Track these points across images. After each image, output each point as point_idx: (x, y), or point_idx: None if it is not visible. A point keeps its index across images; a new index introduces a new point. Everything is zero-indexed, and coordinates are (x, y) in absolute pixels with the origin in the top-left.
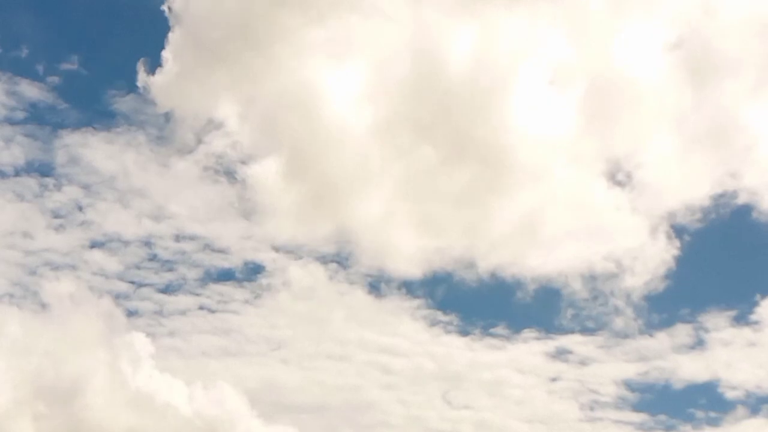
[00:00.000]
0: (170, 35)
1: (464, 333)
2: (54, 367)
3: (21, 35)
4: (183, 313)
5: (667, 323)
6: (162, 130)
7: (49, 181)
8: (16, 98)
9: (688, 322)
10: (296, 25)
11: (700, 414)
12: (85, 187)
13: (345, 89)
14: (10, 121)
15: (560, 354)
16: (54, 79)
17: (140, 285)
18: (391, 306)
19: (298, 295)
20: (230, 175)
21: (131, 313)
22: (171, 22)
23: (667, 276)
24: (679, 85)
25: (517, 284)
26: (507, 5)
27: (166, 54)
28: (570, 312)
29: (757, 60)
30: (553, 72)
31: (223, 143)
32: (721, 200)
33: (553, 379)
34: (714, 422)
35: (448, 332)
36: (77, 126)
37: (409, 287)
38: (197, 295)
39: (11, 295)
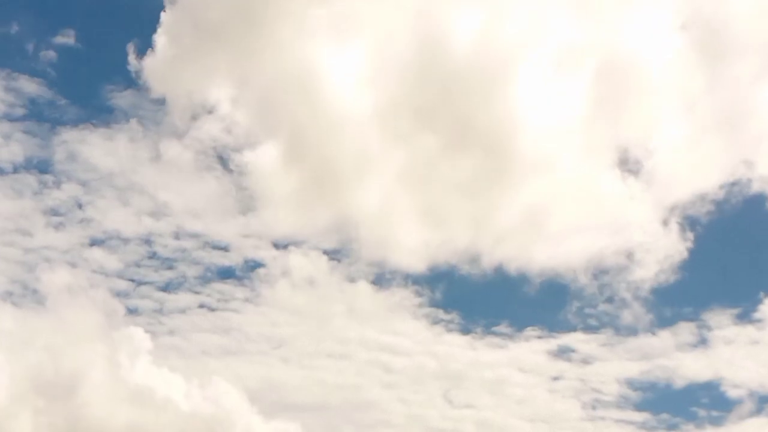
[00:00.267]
0: (163, 15)
1: (466, 331)
2: (53, 364)
3: (10, 13)
4: (183, 311)
5: (670, 321)
6: (155, 117)
7: (48, 178)
8: (15, 94)
9: (691, 320)
10: (296, 5)
11: (702, 413)
12: (84, 184)
13: (346, 72)
14: (9, 118)
15: (562, 352)
16: (48, 55)
17: (140, 283)
18: (393, 302)
19: (298, 292)
20: (226, 163)
21: (131, 312)
22: (164, 2)
23: (674, 271)
24: (690, 69)
25: (522, 279)
26: None
27: (159, 36)
28: (575, 307)
29: None
30: (561, 55)
31: (218, 129)
32: (733, 189)
33: (555, 378)
34: (717, 421)
35: (450, 331)
36: (76, 122)
37: (411, 283)
38: (197, 293)
39: (10, 293)
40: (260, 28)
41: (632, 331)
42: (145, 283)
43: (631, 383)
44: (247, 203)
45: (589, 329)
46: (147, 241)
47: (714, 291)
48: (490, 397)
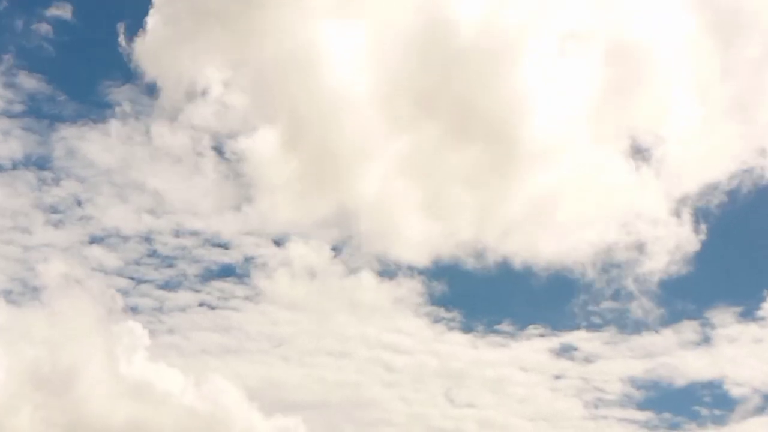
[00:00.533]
0: None
1: (467, 330)
2: (52, 361)
3: None
4: (183, 309)
5: (673, 319)
6: (148, 102)
7: (47, 174)
8: (13, 90)
9: (695, 318)
10: None
11: (705, 412)
12: (83, 181)
13: (346, 55)
14: (8, 114)
15: (565, 351)
16: (41, 29)
17: (140, 281)
18: (394, 296)
19: (298, 286)
20: (222, 151)
21: (131, 310)
22: None
23: (681, 266)
24: (702, 53)
25: (527, 274)
26: None
27: (151, 16)
28: (579, 303)
29: None
30: (569, 39)
31: (213, 115)
32: (745, 178)
33: (558, 377)
34: (720, 420)
35: (451, 329)
36: (74, 119)
37: (413, 277)
38: (197, 291)
39: (10, 291)
40: (257, 8)
41: (635, 330)
42: (145, 282)
43: (633, 382)
44: (244, 193)
45: (592, 327)
46: (147, 239)
47: (718, 289)
48: (491, 396)
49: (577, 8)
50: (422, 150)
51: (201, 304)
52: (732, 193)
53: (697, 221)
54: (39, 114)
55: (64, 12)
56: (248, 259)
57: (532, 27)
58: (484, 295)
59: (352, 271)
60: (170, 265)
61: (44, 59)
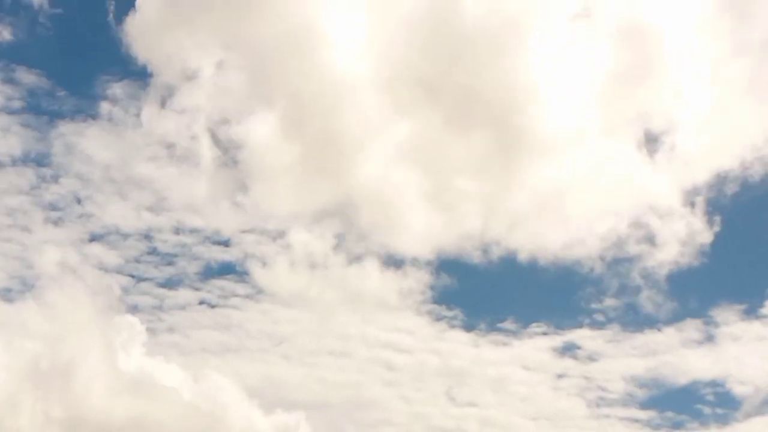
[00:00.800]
0: None
1: (469, 328)
2: (51, 359)
3: None
4: (183, 308)
5: (676, 318)
6: (139, 86)
7: (46, 171)
8: (12, 86)
9: (698, 316)
10: None
11: (708, 410)
12: (83, 178)
13: (347, 36)
14: (7, 111)
15: (568, 349)
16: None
17: (140, 279)
18: (395, 289)
19: (298, 279)
20: (217, 138)
21: (131, 308)
22: None
23: (688, 263)
24: (714, 34)
25: (533, 268)
26: None
27: None
28: (583, 300)
29: None
30: (577, 20)
31: (207, 99)
32: (756, 166)
33: (560, 376)
34: (723, 419)
35: (453, 327)
36: (73, 115)
37: (415, 270)
38: (197, 289)
39: (9, 289)
40: None
41: (638, 328)
42: (145, 280)
43: (636, 380)
44: (241, 183)
45: (595, 325)
46: (147, 237)
47: (722, 286)
48: (493, 395)
49: None
50: (426, 137)
51: (201, 303)
52: (744, 183)
53: (707, 213)
54: (37, 110)
55: None
56: (248, 254)
57: (539, 8)
58: (488, 291)
59: (354, 263)
60: (170, 263)
61: (33, 45)
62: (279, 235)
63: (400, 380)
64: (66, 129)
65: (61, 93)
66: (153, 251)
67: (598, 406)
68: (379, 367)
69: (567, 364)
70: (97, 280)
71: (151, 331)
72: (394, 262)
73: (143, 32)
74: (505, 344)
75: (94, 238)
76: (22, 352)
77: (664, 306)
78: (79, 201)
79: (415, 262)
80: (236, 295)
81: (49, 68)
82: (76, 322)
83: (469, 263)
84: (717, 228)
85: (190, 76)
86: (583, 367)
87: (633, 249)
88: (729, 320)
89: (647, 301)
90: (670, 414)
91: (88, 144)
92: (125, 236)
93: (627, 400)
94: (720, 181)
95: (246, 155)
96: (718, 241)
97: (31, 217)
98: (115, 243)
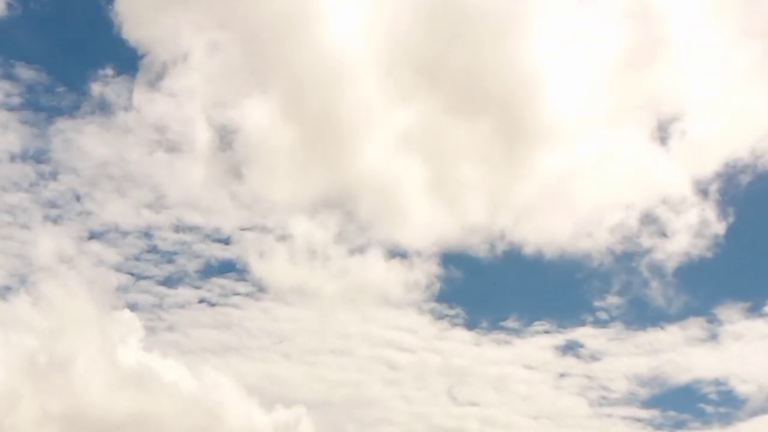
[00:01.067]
0: None
1: (471, 326)
2: (51, 357)
3: None
4: (183, 306)
5: (680, 316)
6: (130, 68)
7: (45, 168)
8: (11, 83)
9: (701, 314)
10: None
11: (711, 409)
12: (82, 176)
13: (346, 16)
14: (6, 107)
15: (570, 348)
16: None
17: (140, 277)
18: (397, 284)
19: (298, 273)
20: (211, 123)
21: (131, 306)
22: None
23: (692, 259)
24: (725, 11)
25: (538, 262)
26: None
27: None
28: (589, 293)
29: None
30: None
31: (200, 82)
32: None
33: (562, 375)
34: (726, 418)
35: (455, 325)
36: (71, 112)
37: (417, 266)
38: (197, 288)
39: (8, 287)
40: None
41: (641, 326)
42: (145, 278)
43: (639, 379)
44: (236, 171)
45: (598, 323)
46: (146, 234)
47: (726, 284)
48: (495, 394)
49: None
50: (427, 124)
51: (201, 301)
52: (755, 172)
53: (718, 203)
54: (36, 107)
55: None
56: (247, 248)
57: None
58: (491, 287)
59: (355, 255)
60: (170, 261)
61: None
62: (277, 226)
63: (401, 379)
64: (63, 124)
65: (51, 80)
66: (153, 249)
67: (600, 405)
68: (379, 366)
69: (569, 362)
70: (97, 277)
71: (151, 329)
72: (395, 255)
73: (134, 12)
74: (507, 343)
75: (93, 236)
76: (21, 349)
77: (669, 303)
78: (78, 198)
79: (417, 255)
80: (236, 294)
81: (38, 50)
82: (75, 319)
83: (473, 257)
84: (729, 219)
85: (183, 58)
86: (585, 366)
87: (641, 241)
88: (733, 318)
89: (653, 296)
90: (672, 413)
91: (86, 140)
92: (124, 234)
93: (629, 399)
94: (731, 169)
95: (242, 141)
96: (729, 233)
97: (31, 214)
98: (114, 241)
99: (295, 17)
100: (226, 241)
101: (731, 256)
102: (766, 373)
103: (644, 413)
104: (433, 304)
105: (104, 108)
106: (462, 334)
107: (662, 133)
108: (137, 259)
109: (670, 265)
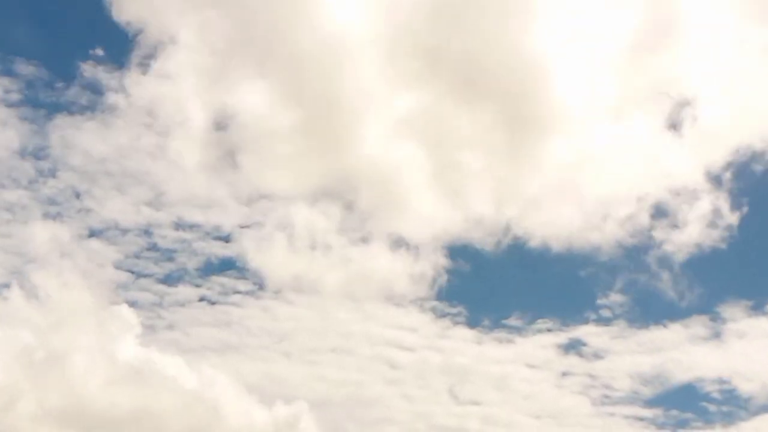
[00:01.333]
0: None
1: (473, 325)
2: (50, 354)
3: None
4: (183, 304)
5: (683, 314)
6: (120, 49)
7: (44, 165)
8: (10, 79)
9: (705, 312)
10: None
11: (714, 408)
12: (81, 173)
13: None
14: (5, 103)
15: (573, 347)
16: None
17: (140, 275)
18: (399, 279)
19: (296, 272)
20: (205, 108)
21: (131, 304)
22: None
23: (701, 253)
24: None
25: (543, 255)
26: None
27: None
28: (594, 288)
29: None
30: None
31: (193, 65)
32: None
33: (564, 374)
34: (729, 417)
35: (457, 324)
36: (70, 109)
37: (419, 258)
38: (197, 286)
39: (8, 285)
40: None
41: (644, 324)
42: (145, 276)
43: (642, 378)
44: (231, 158)
45: (601, 321)
46: (146, 232)
47: (730, 282)
48: (496, 393)
49: None
50: (429, 110)
51: (201, 299)
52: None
53: (728, 195)
54: (35, 103)
55: None
56: (246, 244)
57: None
58: (494, 283)
59: (354, 247)
60: (170, 259)
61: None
62: (276, 218)
63: (402, 378)
64: (62, 120)
65: (49, 75)
66: (153, 247)
67: (602, 404)
68: (380, 365)
69: (572, 361)
70: (96, 274)
71: (151, 327)
72: (397, 247)
73: None
74: (509, 341)
75: (93, 234)
76: (20, 346)
77: (672, 301)
78: (77, 195)
79: (419, 247)
80: (237, 292)
81: (31, 39)
82: (75, 317)
83: (477, 250)
84: (743, 209)
85: (174, 40)
86: (587, 365)
87: (650, 234)
88: (736, 316)
89: (657, 293)
90: (675, 412)
91: (85, 137)
92: (124, 231)
93: (632, 398)
94: (742, 157)
95: (238, 127)
96: (743, 224)
97: (30, 211)
98: (114, 238)
99: None
100: (226, 239)
101: (744, 248)
102: None
103: (647, 412)
104: (435, 303)
105: (96, 91)
106: (464, 333)
107: (673, 121)
108: (137, 256)
109: (678, 259)
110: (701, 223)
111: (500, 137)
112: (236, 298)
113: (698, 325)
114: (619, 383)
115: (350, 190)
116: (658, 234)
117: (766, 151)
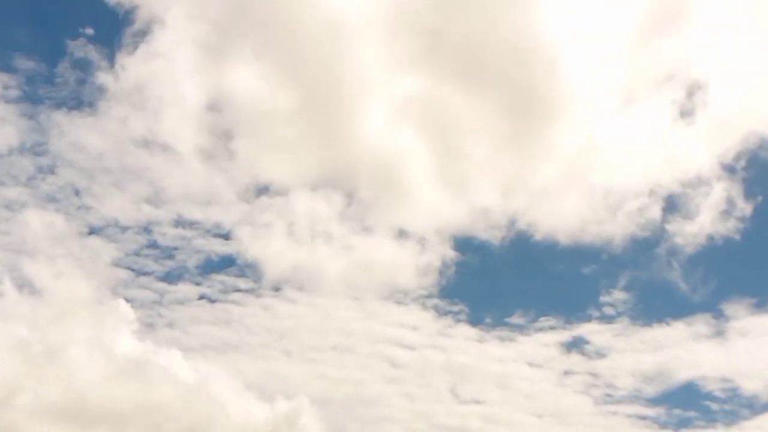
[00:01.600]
0: None
1: (475, 322)
2: (49, 353)
3: None
4: (182, 302)
5: (686, 312)
6: (110, 29)
7: (43, 161)
8: (8, 76)
9: (708, 310)
10: None
11: (716, 407)
12: (80, 170)
13: None
14: (5, 100)
15: (575, 345)
16: None
17: (140, 273)
18: (400, 274)
19: (296, 267)
20: (198, 90)
21: (131, 302)
22: None
23: (711, 249)
24: None
25: (548, 248)
26: None
27: None
28: (603, 276)
29: None
30: None
31: (183, 45)
32: None
33: (567, 372)
34: (732, 416)
35: (459, 322)
36: (69, 106)
37: (422, 255)
38: (198, 284)
39: (8, 282)
40: None
41: (647, 322)
42: (145, 273)
43: (644, 376)
44: (226, 144)
45: (604, 319)
46: (146, 229)
47: (734, 279)
48: (498, 391)
49: None
50: (431, 95)
51: (201, 297)
52: None
53: (740, 183)
54: (35, 100)
55: None
56: (245, 239)
57: None
58: (498, 280)
59: (355, 239)
60: (170, 257)
61: None
62: (274, 210)
63: (403, 377)
64: (61, 117)
65: (49, 71)
66: (152, 244)
67: (604, 403)
68: (381, 363)
69: (574, 360)
70: (97, 272)
71: (151, 326)
72: (399, 239)
73: None
74: (510, 340)
75: (93, 231)
76: (18, 342)
77: (676, 297)
78: (77, 192)
79: (422, 239)
80: (237, 290)
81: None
82: (75, 314)
83: (481, 243)
84: (757, 198)
85: (165, 18)
86: (590, 363)
87: (659, 225)
88: (739, 314)
89: (663, 288)
90: (678, 411)
91: (83, 133)
92: (124, 229)
93: (634, 397)
94: (753, 145)
95: (232, 110)
96: (756, 214)
97: (29, 208)
98: (113, 236)
99: None
100: (226, 236)
101: (757, 238)
102: None
103: (649, 411)
104: (437, 300)
105: (85, 70)
106: (465, 331)
107: (684, 107)
108: (137, 254)
109: (687, 252)
110: (713, 213)
111: (505, 124)
112: (236, 296)
113: (701, 323)
114: (621, 382)
115: (351, 179)
116: (669, 226)
117: None
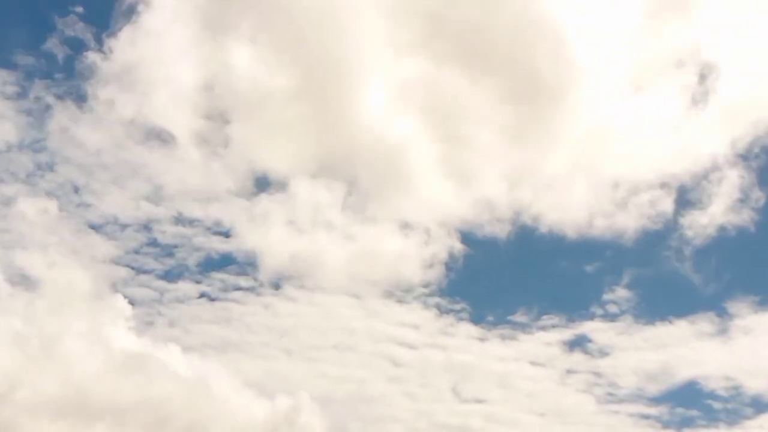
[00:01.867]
0: None
1: (477, 321)
2: (48, 352)
3: None
4: (183, 301)
5: (689, 310)
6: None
7: (42, 158)
8: (7, 73)
9: (711, 309)
10: None
11: (719, 405)
12: (79, 167)
13: None
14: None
15: (578, 343)
16: None
17: (140, 271)
18: (399, 257)
19: (296, 262)
20: (197, 71)
21: (131, 301)
22: None
23: (713, 243)
24: None
25: (554, 241)
26: None
27: None
28: (607, 271)
29: None
30: None
31: (175, 23)
32: None
33: (569, 371)
34: (735, 414)
35: (460, 320)
36: (68, 103)
37: (425, 245)
38: (198, 282)
39: (7, 281)
40: None
41: (650, 320)
42: (145, 272)
43: (647, 375)
44: (223, 128)
45: (607, 317)
46: (146, 227)
47: (737, 278)
48: (500, 390)
49: None
50: (434, 83)
51: (201, 296)
52: None
53: (751, 175)
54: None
55: None
56: (245, 235)
57: None
58: (501, 276)
59: (355, 230)
60: (170, 255)
61: None
62: (273, 202)
63: (404, 376)
64: (59, 113)
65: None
66: (152, 242)
67: (607, 402)
68: (383, 362)
69: (576, 358)
70: (95, 269)
71: (151, 324)
72: (400, 231)
73: None
74: (513, 338)
75: (92, 228)
76: (18, 340)
77: (679, 295)
78: (76, 190)
79: (424, 231)
80: (237, 288)
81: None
82: (75, 311)
83: (485, 236)
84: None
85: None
86: (592, 362)
87: (670, 217)
88: (742, 312)
89: (667, 286)
90: (680, 410)
91: (82, 129)
92: (123, 226)
93: (637, 396)
94: (763, 131)
95: (227, 91)
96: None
97: (28, 206)
98: (113, 234)
99: None
100: (226, 234)
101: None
102: None
103: (652, 410)
104: (438, 299)
105: (75, 47)
106: (467, 329)
107: (694, 91)
108: (137, 252)
109: (695, 245)
110: (726, 203)
111: (509, 111)
112: (237, 294)
113: (705, 321)
114: (623, 380)
115: (351, 167)
116: (679, 218)
117: None
